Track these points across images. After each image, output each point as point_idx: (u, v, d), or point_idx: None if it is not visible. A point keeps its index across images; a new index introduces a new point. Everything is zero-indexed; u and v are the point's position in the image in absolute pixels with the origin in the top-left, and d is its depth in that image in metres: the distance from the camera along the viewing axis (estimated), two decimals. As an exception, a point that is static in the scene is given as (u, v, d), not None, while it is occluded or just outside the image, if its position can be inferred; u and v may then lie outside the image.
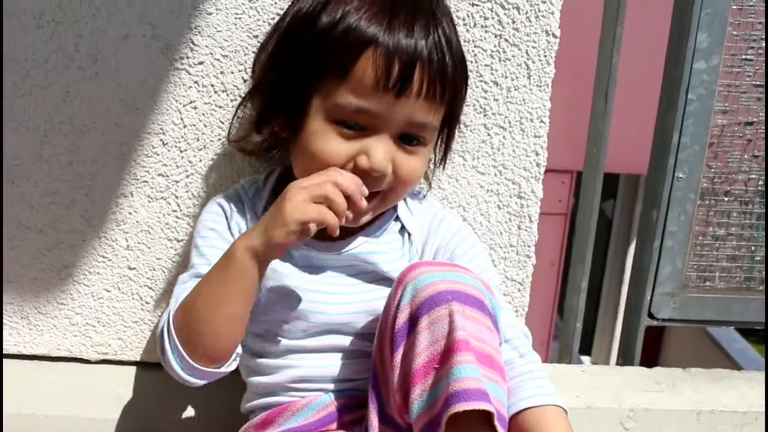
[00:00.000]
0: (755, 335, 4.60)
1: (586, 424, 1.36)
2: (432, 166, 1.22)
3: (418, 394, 0.92)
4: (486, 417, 0.88)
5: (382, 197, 1.07)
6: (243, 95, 1.24)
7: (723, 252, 1.52)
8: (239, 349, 1.08)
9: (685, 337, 4.23)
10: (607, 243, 5.16)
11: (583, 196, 1.52)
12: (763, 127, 1.46)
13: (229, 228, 1.15)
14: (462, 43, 1.22)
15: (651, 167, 1.49)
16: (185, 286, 1.10)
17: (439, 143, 1.15)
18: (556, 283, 4.08)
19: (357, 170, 1.02)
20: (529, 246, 1.35)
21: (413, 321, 0.95)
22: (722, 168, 1.48)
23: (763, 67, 1.42)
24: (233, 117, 1.23)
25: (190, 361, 1.03)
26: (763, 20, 1.39)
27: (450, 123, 1.12)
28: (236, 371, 1.20)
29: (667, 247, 1.48)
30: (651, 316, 1.52)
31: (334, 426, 1.09)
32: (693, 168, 1.45)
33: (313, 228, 0.97)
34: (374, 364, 1.02)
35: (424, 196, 1.22)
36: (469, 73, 1.12)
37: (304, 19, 1.05)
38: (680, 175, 1.45)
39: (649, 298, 1.51)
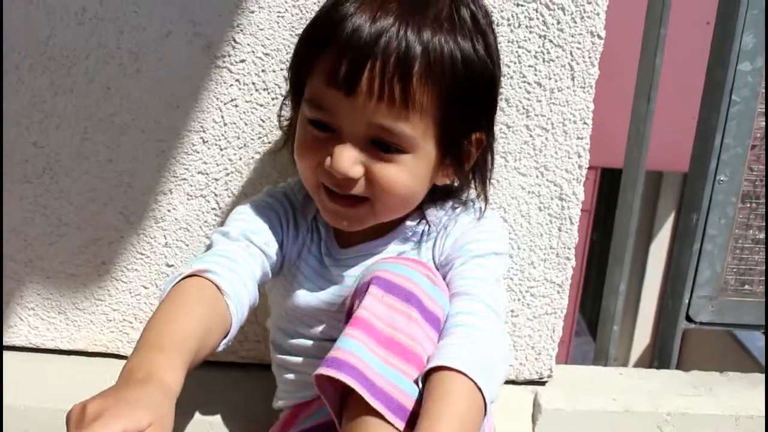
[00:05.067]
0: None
1: (623, 427, 1.36)
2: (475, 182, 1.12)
3: None
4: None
5: (371, 207, 1.02)
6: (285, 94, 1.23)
7: (762, 256, 1.50)
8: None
9: (707, 333, 4.21)
10: (628, 239, 5.12)
11: (622, 197, 1.50)
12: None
13: (287, 221, 1.12)
14: (505, 44, 1.21)
15: (692, 170, 1.47)
16: (205, 255, 1.04)
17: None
18: (579, 279, 4.07)
19: (324, 172, 1.00)
20: (569, 248, 1.33)
21: (351, 304, 0.98)
22: (764, 171, 1.46)
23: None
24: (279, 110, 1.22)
25: None
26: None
27: (453, 135, 1.01)
28: (269, 368, 1.21)
29: (707, 250, 1.46)
30: (689, 319, 1.51)
31: None
32: (735, 170, 1.43)
33: None
34: None
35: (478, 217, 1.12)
36: (489, 83, 1.02)
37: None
38: (722, 178, 1.43)
39: (687, 301, 1.50)
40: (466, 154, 1.04)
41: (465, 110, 1.00)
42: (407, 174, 0.99)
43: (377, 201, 1.01)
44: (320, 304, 1.11)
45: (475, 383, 0.87)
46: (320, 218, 1.12)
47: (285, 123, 1.18)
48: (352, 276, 1.09)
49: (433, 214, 1.11)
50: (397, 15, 0.93)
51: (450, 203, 1.12)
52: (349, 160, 0.97)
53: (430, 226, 1.10)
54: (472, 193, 1.13)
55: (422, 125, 0.97)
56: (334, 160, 0.97)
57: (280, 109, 1.20)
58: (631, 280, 5.29)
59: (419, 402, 0.89)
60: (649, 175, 5.08)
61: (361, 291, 0.96)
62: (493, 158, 1.10)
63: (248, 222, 1.08)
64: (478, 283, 1.02)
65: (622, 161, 1.51)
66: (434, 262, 1.09)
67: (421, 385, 0.91)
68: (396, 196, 1.01)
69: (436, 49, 0.94)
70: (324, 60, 0.96)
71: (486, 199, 1.11)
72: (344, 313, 1.00)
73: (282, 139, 1.25)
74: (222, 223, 1.29)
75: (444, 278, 1.04)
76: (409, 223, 1.10)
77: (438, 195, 1.11)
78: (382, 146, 0.98)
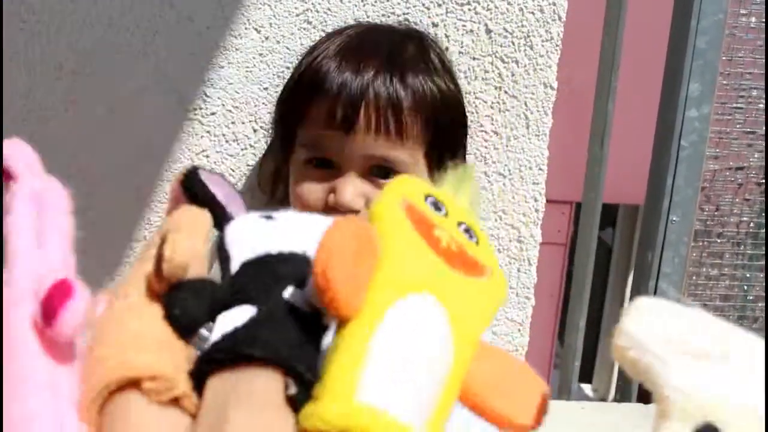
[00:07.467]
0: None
1: (584, 460, 1.41)
2: None
3: None
4: None
5: None
6: (255, 145, 1.30)
7: (716, 291, 1.57)
8: None
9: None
10: (607, 271, 5.19)
11: (581, 238, 1.57)
12: (754, 172, 1.51)
13: None
14: (463, 94, 1.28)
15: (646, 210, 1.54)
16: None
17: None
18: (556, 312, 4.11)
19: (329, 209, 1.06)
20: (528, 288, 1.39)
21: None
22: (714, 211, 1.53)
23: (753, 115, 1.48)
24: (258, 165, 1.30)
25: None
26: (752, 71, 1.44)
27: (439, 160, 1.11)
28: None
29: (662, 288, 1.53)
30: (647, 354, 1.57)
31: None
32: (686, 211, 1.50)
33: None
34: None
35: None
36: (462, 114, 1.17)
37: (294, 68, 1.16)
38: (674, 218, 1.50)
39: (645, 336, 1.55)
40: None
41: (446, 136, 1.11)
42: None
43: None
44: None
45: None
46: None
47: (264, 178, 1.26)
48: None
49: None
50: (378, 65, 1.05)
51: None
52: (351, 193, 1.05)
53: None
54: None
55: (414, 151, 1.07)
56: (338, 195, 1.05)
57: (260, 167, 1.28)
58: (611, 308, 5.35)
59: None
60: (625, 208, 5.16)
61: None
62: None
63: None
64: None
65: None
66: None
67: None
68: None
69: (419, 89, 1.07)
70: (316, 109, 1.06)
71: None
72: None
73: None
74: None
75: None
76: None
77: None
78: (381, 174, 1.06)
